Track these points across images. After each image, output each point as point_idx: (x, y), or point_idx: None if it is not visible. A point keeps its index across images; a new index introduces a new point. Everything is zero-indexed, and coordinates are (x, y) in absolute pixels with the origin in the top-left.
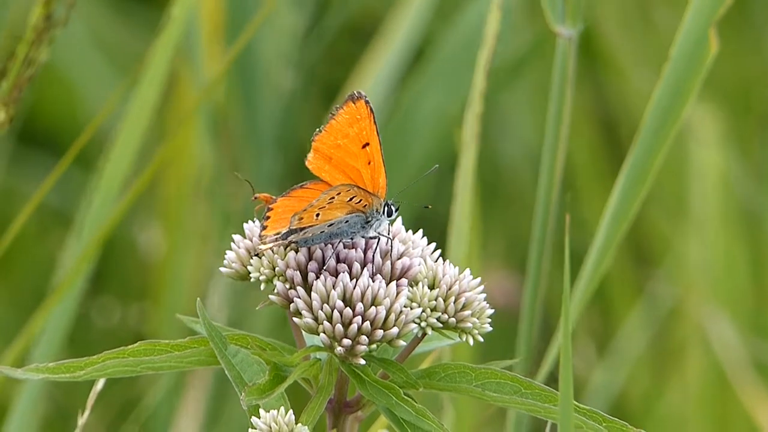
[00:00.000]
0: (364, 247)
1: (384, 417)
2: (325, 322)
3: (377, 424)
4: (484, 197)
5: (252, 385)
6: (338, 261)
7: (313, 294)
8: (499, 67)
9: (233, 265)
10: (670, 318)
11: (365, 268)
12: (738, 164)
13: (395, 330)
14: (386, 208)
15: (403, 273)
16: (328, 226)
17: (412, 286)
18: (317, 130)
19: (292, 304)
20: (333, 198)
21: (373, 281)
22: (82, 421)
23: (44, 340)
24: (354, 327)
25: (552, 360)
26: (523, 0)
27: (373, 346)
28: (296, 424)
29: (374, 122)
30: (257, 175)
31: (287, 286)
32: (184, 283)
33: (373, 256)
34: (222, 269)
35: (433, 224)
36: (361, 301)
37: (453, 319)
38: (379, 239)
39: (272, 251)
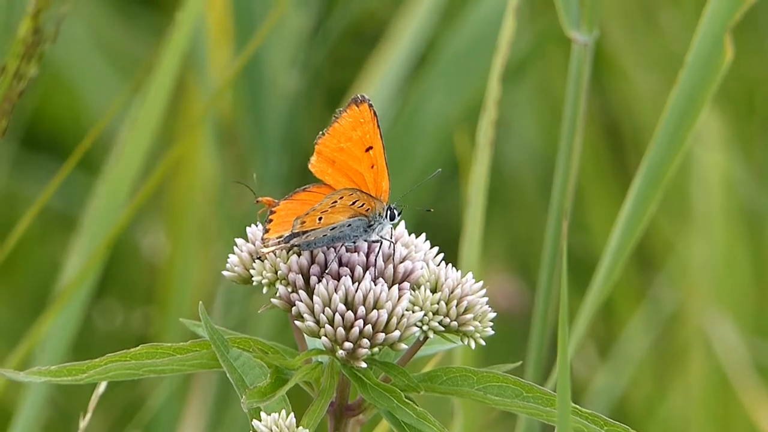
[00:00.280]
0: (366, 250)
1: (385, 420)
2: (327, 326)
3: (379, 428)
4: (486, 199)
5: (253, 388)
6: (340, 264)
7: (315, 297)
8: (506, 71)
9: (236, 268)
10: (673, 321)
11: (367, 272)
12: (741, 167)
13: (397, 333)
14: (389, 212)
15: (406, 276)
16: (331, 229)
17: (414, 290)
18: (320, 133)
19: (294, 308)
20: (336, 202)
21: (375, 285)
22: (84, 424)
23: (48, 344)
24: (356, 330)
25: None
26: (524, 1)
27: (375, 349)
28: (297, 427)
29: (377, 126)
30: (263, 177)
31: (289, 290)
32: (188, 287)
33: (376, 259)
34: (224, 273)
35: (435, 228)
36: (363, 305)
37: (455, 323)
38: (381, 243)
39: (275, 255)
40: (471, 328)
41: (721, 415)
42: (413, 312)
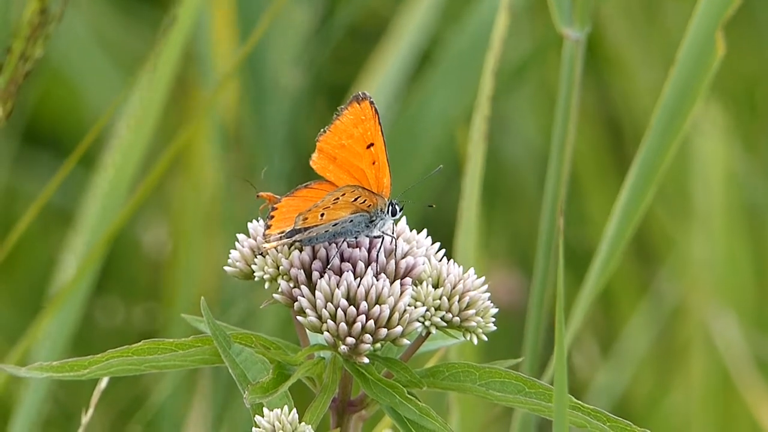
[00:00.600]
0: (368, 246)
1: (388, 416)
2: (329, 321)
3: (381, 424)
4: (486, 196)
5: (256, 383)
6: (342, 260)
7: (317, 293)
8: (502, 70)
9: (237, 264)
10: (674, 316)
11: (369, 267)
12: (742, 161)
13: (399, 329)
14: (390, 208)
15: (407, 272)
16: (333, 225)
17: (416, 285)
18: (322, 130)
19: (296, 303)
20: (338, 198)
21: (377, 280)
22: (85, 419)
23: (49, 340)
24: (358, 326)
25: None
26: (525, 1)
27: (377, 344)
28: (300, 422)
29: (379, 123)
30: (266, 173)
31: (291, 285)
32: (190, 283)
33: (377, 255)
34: (226, 268)
35: (438, 224)
36: (365, 300)
37: (457, 318)
38: (383, 238)
39: (276, 250)
40: (473, 323)
41: (722, 411)
42: (415, 307)
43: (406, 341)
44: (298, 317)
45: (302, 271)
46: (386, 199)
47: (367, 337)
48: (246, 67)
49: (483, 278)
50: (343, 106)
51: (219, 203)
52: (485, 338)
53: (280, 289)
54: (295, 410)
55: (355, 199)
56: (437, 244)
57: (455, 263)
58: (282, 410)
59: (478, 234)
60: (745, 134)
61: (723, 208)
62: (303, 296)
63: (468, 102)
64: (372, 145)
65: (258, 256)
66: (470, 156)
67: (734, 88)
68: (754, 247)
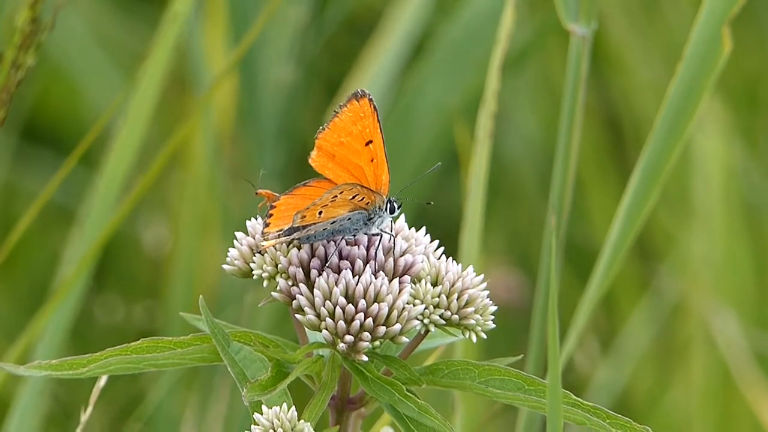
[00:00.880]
0: (366, 244)
1: (387, 413)
2: (328, 319)
3: (380, 421)
4: (486, 193)
5: (254, 381)
6: (341, 258)
7: (315, 291)
8: (506, 64)
9: (236, 262)
10: (675, 314)
11: (368, 265)
12: (743, 159)
13: (398, 327)
14: (389, 205)
15: (406, 270)
16: (331, 223)
17: (414, 283)
18: (320, 127)
19: (294, 301)
20: (336, 196)
21: (376, 278)
22: (84, 418)
23: (47, 338)
24: (356, 323)
25: (563, 361)
26: None
27: (376, 342)
28: (298, 420)
29: (378, 120)
30: (259, 168)
31: (290, 283)
32: (189, 281)
33: (376, 253)
34: (225, 266)
35: (435, 220)
36: (364, 298)
37: (456, 316)
38: (381, 236)
39: (275, 248)
40: (472, 321)
41: (723, 408)
42: (414, 305)
43: (404, 339)
44: (297, 315)
45: (301, 269)
46: (384, 197)
47: (366, 335)
48: (239, 63)
49: (482, 276)
50: (342, 104)
51: (216, 200)
52: (484, 336)
53: (278, 287)
54: (293, 408)
55: (354, 197)
56: (436, 242)
57: (454, 261)
58: (281, 408)
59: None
60: (746, 132)
61: (723, 205)
62: (301, 294)
63: (463, 95)
64: (371, 142)
65: (256, 255)
66: (475, 154)
67: (735, 86)
68: (754, 245)
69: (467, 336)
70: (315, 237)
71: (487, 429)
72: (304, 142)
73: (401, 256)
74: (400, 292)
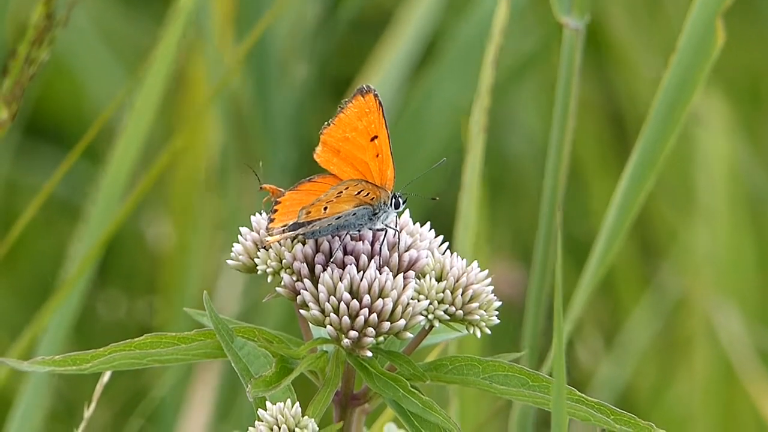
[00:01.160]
0: (371, 239)
1: (391, 409)
2: (332, 314)
3: (384, 417)
4: (490, 190)
5: (258, 377)
6: (345, 253)
7: (320, 286)
8: (508, 64)
9: (240, 257)
10: (677, 309)
11: (372, 260)
12: (746, 154)
13: (402, 322)
14: (394, 200)
15: (411, 265)
16: (336, 218)
17: (419, 279)
18: (326, 123)
19: (299, 297)
20: (341, 192)
21: (381, 273)
22: (88, 413)
23: (50, 334)
24: (361, 319)
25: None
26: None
27: (380, 338)
28: (303, 416)
29: (383, 115)
30: (271, 166)
31: (294, 279)
32: (193, 276)
33: (381, 248)
34: (229, 261)
35: (442, 216)
36: (368, 293)
37: (460, 312)
38: (386, 231)
39: (279, 244)
40: (476, 316)
41: (725, 403)
42: (418, 301)
43: (409, 334)
44: (301, 311)
45: (305, 264)
46: (389, 192)
47: (370, 330)
48: (250, 60)
49: (486, 271)
50: (347, 99)
51: (222, 195)
52: (488, 331)
53: (283, 283)
54: (298, 404)
55: (359, 193)
56: (440, 237)
57: (458, 256)
58: (285, 404)
59: (482, 227)
60: (749, 127)
61: (726, 200)
62: (306, 290)
63: (475, 93)
64: (376, 137)
65: (261, 250)
66: (470, 148)
67: (738, 81)
68: (757, 240)
69: (471, 331)
70: (320, 232)
71: (485, 423)
72: (315, 141)
73: (406, 251)
74: (404, 287)
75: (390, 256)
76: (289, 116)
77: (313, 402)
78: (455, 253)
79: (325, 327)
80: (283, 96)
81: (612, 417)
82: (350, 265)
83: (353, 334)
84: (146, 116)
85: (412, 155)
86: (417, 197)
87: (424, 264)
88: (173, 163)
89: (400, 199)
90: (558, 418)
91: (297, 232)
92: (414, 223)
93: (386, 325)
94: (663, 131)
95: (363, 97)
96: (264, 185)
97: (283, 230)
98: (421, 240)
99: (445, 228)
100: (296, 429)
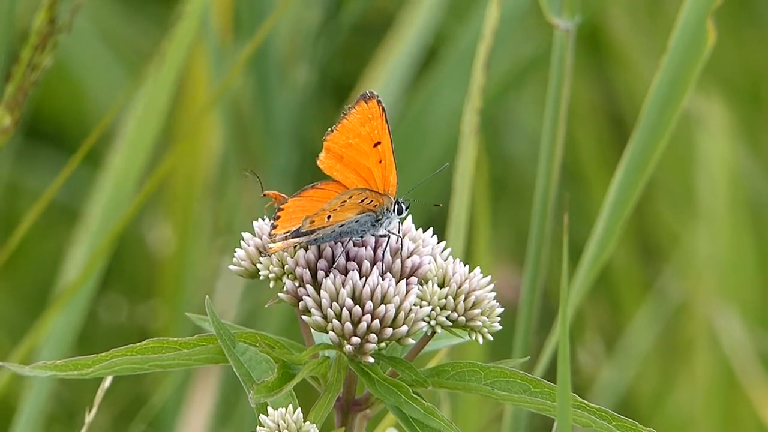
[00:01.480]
0: (374, 245)
1: (393, 415)
2: (334, 320)
3: (385, 422)
4: (491, 194)
5: (260, 382)
6: (348, 259)
7: (322, 292)
8: (511, 67)
9: (242, 262)
10: (679, 314)
11: (375, 267)
12: (747, 158)
13: (404, 328)
14: (396, 207)
15: (413, 271)
16: (339, 226)
17: (421, 285)
18: (329, 129)
19: (301, 302)
20: (345, 202)
21: (383, 279)
22: (89, 418)
23: (52, 339)
24: (363, 325)
25: (551, 353)
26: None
27: (383, 344)
28: (304, 422)
29: (386, 121)
30: (272, 169)
31: (296, 284)
32: (193, 281)
33: (383, 254)
34: (231, 267)
35: (445, 223)
36: (371, 299)
37: (463, 318)
38: (389, 237)
39: (282, 250)
40: (479, 323)
41: (726, 408)
42: (421, 307)
43: (411, 341)
44: (304, 316)
45: (307, 270)
46: (392, 198)
47: (373, 336)
48: (252, 64)
49: (489, 278)
50: (350, 106)
51: (222, 200)
52: (491, 338)
53: (285, 288)
54: (299, 409)
55: (362, 201)
56: (443, 243)
57: (461, 262)
58: (286, 409)
59: (483, 231)
60: (749, 130)
61: (727, 205)
62: (308, 295)
63: None
64: (379, 143)
65: (263, 256)
66: (462, 150)
67: (738, 84)
68: (758, 245)
69: (473, 338)
70: (322, 239)
71: (485, 427)
72: (316, 146)
73: (408, 257)
74: (407, 293)
75: (393, 262)
76: (290, 119)
77: (314, 407)
78: (458, 260)
79: (327, 333)
80: (285, 99)
81: (614, 423)
82: (353, 271)
83: (355, 340)
84: (152, 125)
85: (414, 160)
86: (420, 203)
87: (426, 270)
88: (174, 167)
89: (402, 205)
90: (563, 426)
91: (300, 239)
92: (417, 229)
93: (388, 331)
94: (655, 130)
95: (366, 103)
96: (267, 191)
97: (286, 237)
98: (424, 246)
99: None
100: None
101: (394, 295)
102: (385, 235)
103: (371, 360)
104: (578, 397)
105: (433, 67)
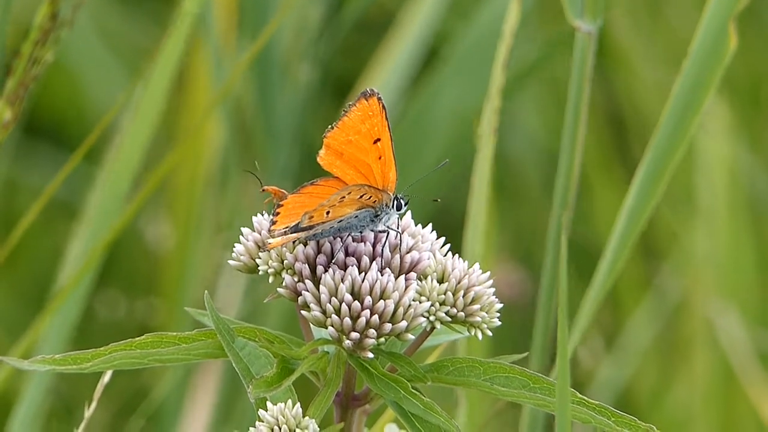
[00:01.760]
0: (373, 240)
1: (392, 410)
2: (334, 316)
3: (385, 418)
4: (491, 192)
5: (259, 377)
6: (347, 254)
7: (321, 287)
8: (512, 66)
9: (242, 257)
10: (678, 312)
11: (374, 262)
12: (747, 157)
13: (404, 324)
14: (395, 202)
15: (412, 267)
16: (338, 221)
17: (421, 280)
18: (329, 126)
19: (300, 297)
20: (344, 197)
21: (382, 275)
22: (88, 413)
23: (51, 335)
24: (362, 320)
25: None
26: (535, 4)
27: (382, 339)
28: (303, 417)
29: (386, 118)
30: (273, 167)
31: (296, 279)
32: (193, 277)
33: (382, 249)
34: (230, 262)
35: (449, 220)
36: (370, 295)
37: (462, 313)
38: (388, 233)
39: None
40: (478, 318)
41: (725, 406)
42: (420, 302)
43: (410, 336)
44: (303, 312)
45: (307, 265)
46: (391, 194)
47: (372, 332)
48: (253, 63)
49: (488, 273)
50: (351, 103)
51: (222, 196)
52: (490, 333)
53: (284, 283)
54: (299, 404)
55: (361, 196)
56: (442, 239)
57: (460, 258)
58: (286, 404)
59: (487, 229)
60: (750, 130)
61: (727, 204)
62: (307, 290)
63: (479, 97)
64: (379, 140)
65: (262, 252)
66: (479, 150)
67: (739, 85)
68: (757, 243)
69: (473, 333)
70: (321, 234)
71: (492, 425)
72: (317, 143)
73: (407, 253)
74: (406, 289)
75: (392, 258)
76: (291, 117)
77: (314, 403)
78: (457, 255)
79: (326, 328)
80: (286, 97)
81: (613, 419)
82: (352, 266)
83: (355, 335)
84: (149, 121)
85: (415, 157)
86: (419, 199)
87: (425, 266)
88: (175, 163)
89: (401, 200)
90: (562, 422)
91: (299, 234)
92: (416, 225)
93: (387, 326)
94: (674, 136)
95: (367, 100)
96: (266, 187)
97: (285, 232)
98: (423, 242)
99: (448, 230)
100: (297, 430)
101: (393, 291)
102: (384, 231)
103: (370, 355)
104: (578, 393)
105: (435, 66)
